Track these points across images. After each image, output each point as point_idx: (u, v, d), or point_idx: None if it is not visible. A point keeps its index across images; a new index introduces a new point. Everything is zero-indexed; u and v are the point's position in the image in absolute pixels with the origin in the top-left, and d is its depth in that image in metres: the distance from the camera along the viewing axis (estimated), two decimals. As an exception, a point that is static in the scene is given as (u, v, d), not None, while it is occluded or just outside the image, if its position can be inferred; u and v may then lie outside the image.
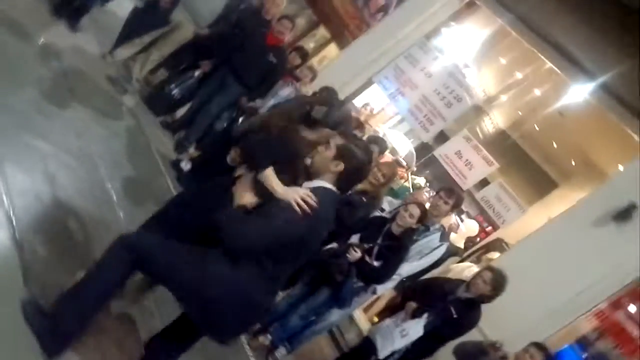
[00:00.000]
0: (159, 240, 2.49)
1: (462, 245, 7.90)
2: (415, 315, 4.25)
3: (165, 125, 5.99)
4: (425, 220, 4.38)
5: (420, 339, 4.24)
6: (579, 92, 6.66)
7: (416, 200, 4.68)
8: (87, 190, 3.54)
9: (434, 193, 5.91)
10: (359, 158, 2.61)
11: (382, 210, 4.83)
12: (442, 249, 4.56)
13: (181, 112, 6.04)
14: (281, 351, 4.42)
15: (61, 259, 2.80)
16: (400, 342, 4.24)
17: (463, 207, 9.25)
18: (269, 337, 4.40)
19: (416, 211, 4.23)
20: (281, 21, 5.54)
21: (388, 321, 4.41)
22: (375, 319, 5.82)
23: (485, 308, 4.37)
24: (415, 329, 4.22)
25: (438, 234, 4.55)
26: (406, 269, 4.36)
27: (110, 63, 5.48)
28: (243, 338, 4.21)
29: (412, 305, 4.30)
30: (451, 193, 4.60)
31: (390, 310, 4.96)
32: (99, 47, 5.56)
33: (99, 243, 3.20)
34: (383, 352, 4.29)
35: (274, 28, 5.54)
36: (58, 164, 3.40)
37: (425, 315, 4.23)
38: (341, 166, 2.54)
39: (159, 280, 2.57)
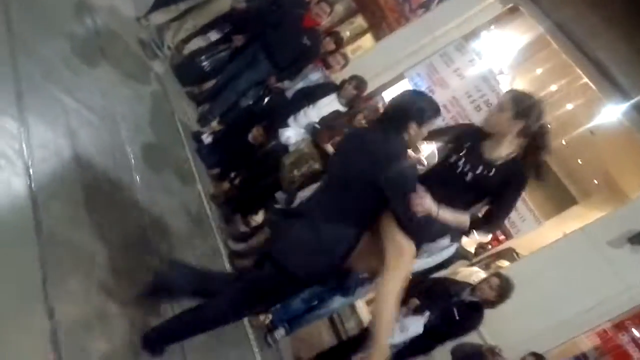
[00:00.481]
0: None
1: (472, 250, 7.82)
2: (417, 312, 4.24)
3: (191, 95, 6.01)
4: None
5: (418, 336, 4.23)
6: (612, 111, 6.54)
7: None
8: (107, 151, 3.55)
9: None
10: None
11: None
12: (452, 250, 4.47)
13: (208, 84, 6.06)
14: (280, 332, 4.44)
15: (74, 215, 2.81)
16: (399, 337, 4.23)
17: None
18: (270, 317, 4.42)
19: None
20: (320, 4, 5.50)
21: None
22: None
23: (488, 313, 4.35)
24: (415, 325, 4.21)
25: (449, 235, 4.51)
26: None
27: (144, 27, 5.48)
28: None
29: (415, 301, 4.28)
30: None
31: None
32: (135, 10, 5.56)
33: (112, 203, 3.24)
34: None
35: (312, 10, 5.51)
36: (80, 121, 3.41)
37: (426, 314, 4.22)
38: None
39: None
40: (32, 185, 2.60)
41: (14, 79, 2.97)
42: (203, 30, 5.96)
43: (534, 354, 4.18)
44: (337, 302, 4.49)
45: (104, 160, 3.43)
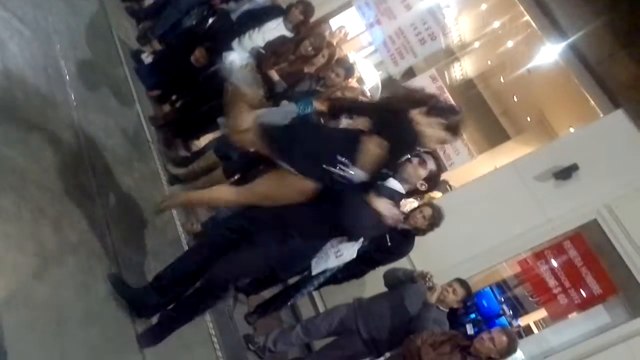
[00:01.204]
0: None
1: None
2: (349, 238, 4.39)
3: (131, 12, 5.73)
4: None
5: (352, 261, 4.41)
6: (549, 51, 6.73)
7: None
8: (39, 65, 3.39)
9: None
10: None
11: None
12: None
13: (149, 1, 5.79)
14: None
15: (3, 130, 2.69)
16: (333, 262, 4.38)
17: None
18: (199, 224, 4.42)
19: None
20: None
21: None
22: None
23: (418, 240, 4.56)
24: (349, 251, 4.35)
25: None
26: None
27: None
28: (183, 239, 4.24)
29: None
30: None
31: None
32: None
33: (44, 119, 3.13)
34: (316, 269, 4.43)
35: None
36: (10, 32, 3.23)
37: (360, 240, 4.38)
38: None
39: None
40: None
41: None
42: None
43: (459, 280, 4.43)
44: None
45: (36, 75, 3.29)
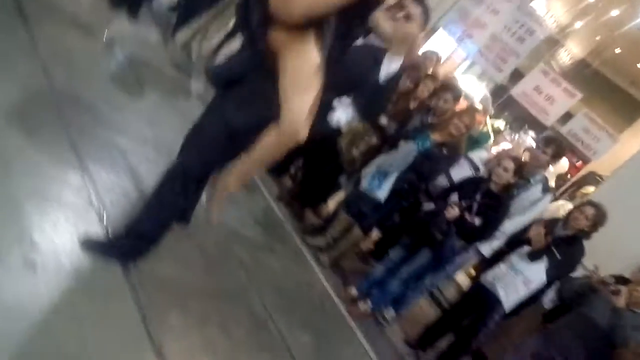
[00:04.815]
0: None
1: (552, 184, 7.52)
2: (533, 258, 4.03)
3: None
4: (524, 173, 4.26)
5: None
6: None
7: (509, 154, 4.52)
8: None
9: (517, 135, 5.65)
10: None
11: (477, 169, 4.69)
12: (546, 200, 4.40)
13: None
14: (389, 312, 4.37)
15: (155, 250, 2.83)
16: (524, 292, 4.05)
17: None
18: (369, 302, 4.34)
19: (510, 165, 4.06)
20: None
21: (503, 267, 4.18)
22: (473, 273, 5.62)
23: (587, 245, 4.12)
24: (538, 275, 4.00)
25: (540, 186, 4.37)
26: (509, 226, 4.20)
27: (172, 49, 5.44)
28: (342, 308, 4.18)
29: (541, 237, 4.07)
30: (548, 142, 4.43)
31: (486, 262, 4.75)
32: (160, 34, 5.54)
33: (186, 234, 3.23)
34: (508, 304, 4.10)
35: None
36: (138, 157, 3.42)
37: (545, 259, 3.99)
38: None
39: None
40: (108, 232, 2.62)
41: (65, 131, 3.00)
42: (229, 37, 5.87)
43: None
44: (437, 276, 4.37)
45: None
